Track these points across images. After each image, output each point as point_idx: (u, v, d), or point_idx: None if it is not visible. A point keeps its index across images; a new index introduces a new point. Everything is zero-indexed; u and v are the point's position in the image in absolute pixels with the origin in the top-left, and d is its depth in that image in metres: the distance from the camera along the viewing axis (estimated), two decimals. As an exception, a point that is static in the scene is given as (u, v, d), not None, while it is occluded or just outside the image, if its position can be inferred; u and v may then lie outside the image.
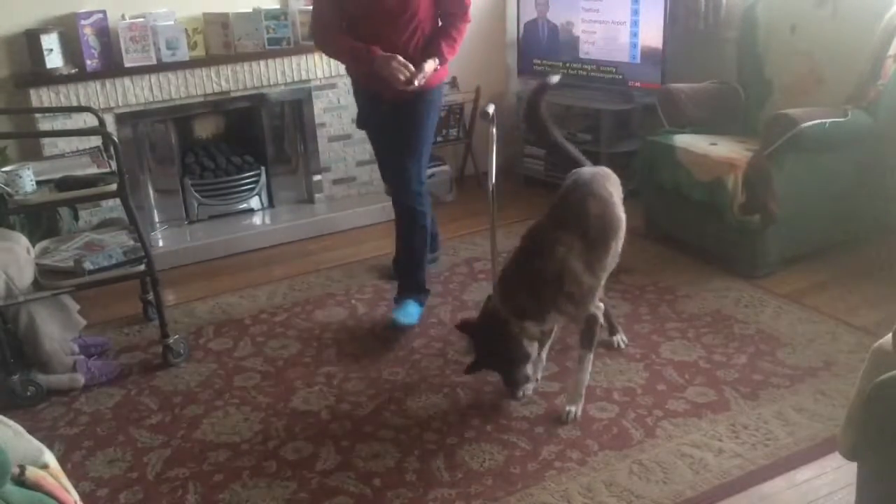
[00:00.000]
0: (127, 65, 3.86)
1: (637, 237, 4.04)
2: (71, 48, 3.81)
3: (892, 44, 3.45)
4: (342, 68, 4.34)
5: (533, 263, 2.59)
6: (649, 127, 4.23)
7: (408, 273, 3.37)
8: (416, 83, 2.97)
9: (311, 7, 4.23)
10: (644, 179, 4.03)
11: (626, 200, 2.87)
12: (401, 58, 2.96)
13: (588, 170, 2.88)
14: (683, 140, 3.78)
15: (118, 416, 2.83)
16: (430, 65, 3.02)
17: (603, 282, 2.76)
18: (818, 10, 3.72)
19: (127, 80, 3.90)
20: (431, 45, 3.07)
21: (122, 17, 3.90)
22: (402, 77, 2.95)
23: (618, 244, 2.76)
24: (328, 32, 3.13)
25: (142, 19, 3.89)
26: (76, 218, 3.64)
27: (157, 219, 4.24)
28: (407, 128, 3.17)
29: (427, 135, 3.21)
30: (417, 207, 3.22)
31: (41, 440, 1.88)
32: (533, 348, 2.69)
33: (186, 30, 3.97)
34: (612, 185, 2.83)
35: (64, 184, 2.91)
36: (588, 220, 2.65)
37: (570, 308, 2.61)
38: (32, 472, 1.63)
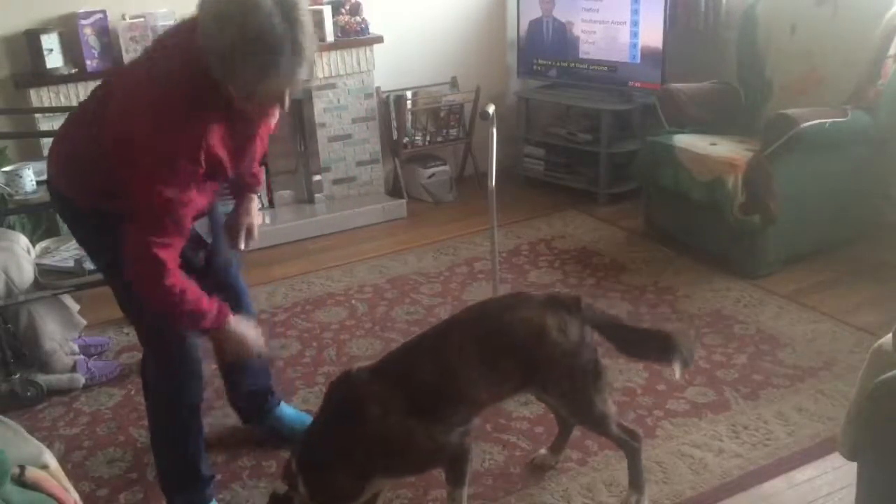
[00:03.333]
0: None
1: (637, 237, 4.06)
2: (71, 48, 3.80)
3: (892, 44, 3.45)
4: (343, 68, 4.39)
5: (342, 426, 1.97)
6: (649, 127, 4.23)
7: (263, 376, 2.59)
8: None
9: (309, 7, 4.30)
10: (644, 179, 4.04)
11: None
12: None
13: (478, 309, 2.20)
14: (683, 140, 3.78)
15: (118, 416, 2.83)
16: (256, 208, 2.30)
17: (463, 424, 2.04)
18: (818, 10, 3.72)
19: (127, 80, 3.89)
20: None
21: (123, 17, 3.89)
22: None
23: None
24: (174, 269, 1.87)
25: (142, 19, 3.88)
26: (76, 218, 3.63)
27: (157, 219, 4.23)
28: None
29: None
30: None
31: (41, 440, 1.88)
32: None
33: (186, 30, 3.97)
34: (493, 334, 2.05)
35: (64, 184, 2.90)
36: (421, 375, 2.01)
37: (405, 473, 2.12)
38: (32, 472, 1.63)
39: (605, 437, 2.26)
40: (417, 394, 1.97)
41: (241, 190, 2.25)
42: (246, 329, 2.05)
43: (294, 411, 2.68)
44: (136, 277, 1.86)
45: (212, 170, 1.86)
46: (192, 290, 1.89)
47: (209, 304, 1.93)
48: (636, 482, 2.26)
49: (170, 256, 1.83)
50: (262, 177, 2.30)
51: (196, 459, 2.26)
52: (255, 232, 2.26)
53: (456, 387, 2.01)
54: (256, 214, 2.25)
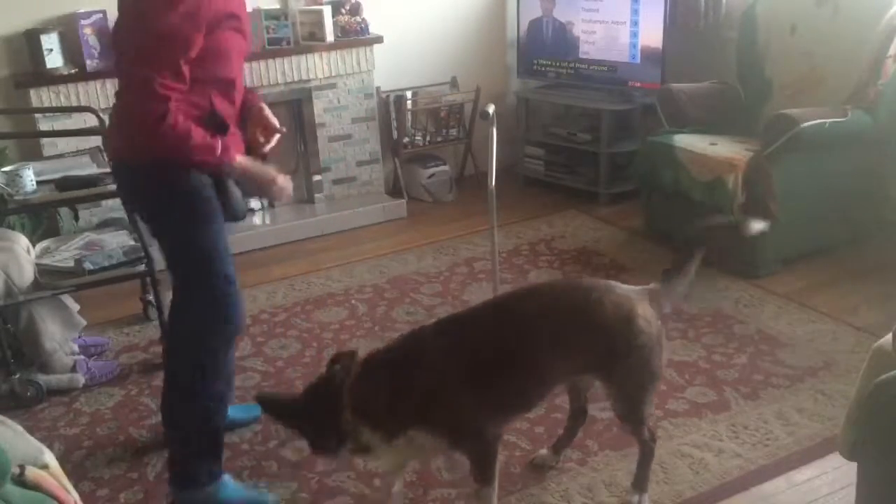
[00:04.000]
0: (127, 65, 3.86)
1: (637, 237, 4.06)
2: (71, 48, 3.80)
3: (892, 44, 3.45)
4: (343, 68, 4.39)
5: (402, 369, 2.01)
6: (649, 127, 4.23)
7: None
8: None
9: (309, 7, 4.31)
10: (644, 179, 4.04)
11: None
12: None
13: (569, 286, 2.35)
14: (683, 140, 3.78)
15: (118, 416, 2.83)
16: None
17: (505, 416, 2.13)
18: (818, 10, 3.72)
19: (127, 80, 3.90)
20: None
21: (122, 17, 3.89)
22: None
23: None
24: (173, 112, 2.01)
25: (142, 19, 3.88)
26: (76, 218, 3.64)
27: (157, 219, 4.23)
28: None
29: None
30: None
31: (41, 440, 1.88)
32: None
33: (186, 30, 3.97)
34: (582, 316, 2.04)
35: (64, 184, 2.91)
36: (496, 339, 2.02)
37: (437, 437, 2.04)
38: (32, 472, 1.63)
39: (632, 435, 2.25)
40: (483, 356, 1.98)
41: (246, 107, 2.36)
42: (254, 165, 2.24)
43: (233, 409, 2.69)
44: (144, 119, 1.99)
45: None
46: (196, 127, 2.05)
47: (214, 139, 2.09)
48: (641, 483, 2.26)
49: (173, 97, 1.99)
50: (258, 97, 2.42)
51: (219, 426, 2.32)
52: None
53: (526, 355, 2.00)
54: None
